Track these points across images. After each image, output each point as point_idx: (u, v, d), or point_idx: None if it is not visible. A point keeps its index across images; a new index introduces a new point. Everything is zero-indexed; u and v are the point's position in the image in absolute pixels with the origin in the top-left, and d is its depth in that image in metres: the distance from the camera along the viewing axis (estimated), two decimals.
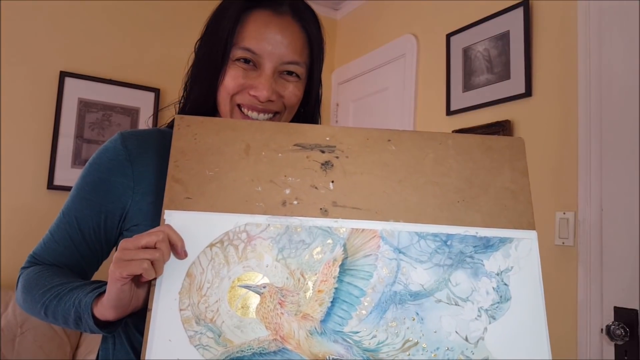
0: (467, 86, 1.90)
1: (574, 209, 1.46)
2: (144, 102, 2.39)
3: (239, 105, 0.76)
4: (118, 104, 2.33)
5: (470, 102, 1.87)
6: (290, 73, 0.76)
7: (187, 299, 0.58)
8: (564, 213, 1.48)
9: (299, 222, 0.63)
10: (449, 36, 2.00)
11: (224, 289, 0.59)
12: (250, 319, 0.58)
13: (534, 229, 0.67)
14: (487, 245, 0.65)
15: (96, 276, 0.76)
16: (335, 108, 2.81)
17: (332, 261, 0.62)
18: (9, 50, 2.15)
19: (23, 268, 0.75)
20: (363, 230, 0.63)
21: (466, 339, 0.61)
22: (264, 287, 0.60)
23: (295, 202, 0.64)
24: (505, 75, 1.74)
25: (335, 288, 0.61)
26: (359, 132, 0.68)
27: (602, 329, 1.33)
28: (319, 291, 0.61)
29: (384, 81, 2.45)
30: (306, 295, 0.60)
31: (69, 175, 2.19)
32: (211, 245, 0.61)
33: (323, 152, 0.67)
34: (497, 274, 0.64)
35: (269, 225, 0.62)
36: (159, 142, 0.74)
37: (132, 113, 2.37)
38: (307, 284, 0.60)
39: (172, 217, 0.61)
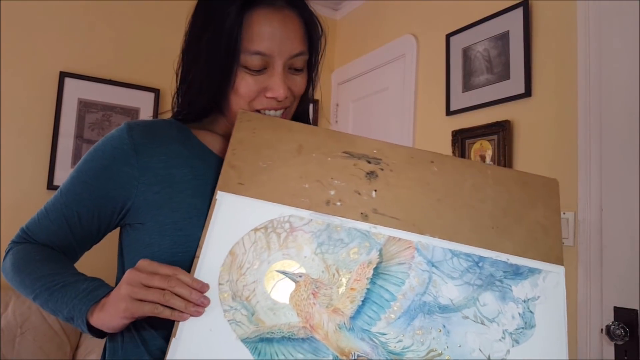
0: (467, 86, 1.90)
1: (574, 209, 1.45)
2: (144, 103, 2.38)
3: (257, 110, 0.74)
4: (118, 104, 2.33)
5: (470, 102, 1.87)
6: (298, 70, 0.75)
7: (227, 274, 0.60)
8: (564, 213, 1.47)
9: (339, 222, 0.66)
10: (448, 36, 2.01)
11: (262, 271, 0.61)
12: (284, 304, 0.60)
13: (562, 264, 0.69)
14: (517, 272, 0.67)
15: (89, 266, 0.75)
16: (335, 108, 2.80)
17: (367, 263, 0.64)
18: (9, 50, 2.15)
19: (14, 242, 0.76)
20: (399, 239, 0.66)
21: (489, 358, 0.61)
22: (300, 277, 0.62)
23: (338, 204, 0.67)
24: (505, 75, 1.74)
25: (367, 289, 0.63)
26: (404, 150, 0.73)
27: (602, 329, 1.31)
28: (351, 289, 0.63)
29: (384, 81, 2.45)
30: (339, 290, 0.62)
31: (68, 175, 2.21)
32: (255, 230, 0.64)
33: (369, 162, 0.71)
34: (524, 301, 0.65)
35: (311, 220, 0.65)
36: (166, 132, 0.74)
37: (132, 113, 2.36)
38: (341, 280, 0.63)
39: (223, 199, 0.65)
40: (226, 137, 0.77)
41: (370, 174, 0.70)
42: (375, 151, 0.72)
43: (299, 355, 0.58)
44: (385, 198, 0.69)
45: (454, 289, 0.64)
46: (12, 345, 1.80)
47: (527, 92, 1.66)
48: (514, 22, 1.73)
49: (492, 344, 0.62)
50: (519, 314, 0.64)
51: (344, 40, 2.88)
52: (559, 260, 0.69)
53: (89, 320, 0.63)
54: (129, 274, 0.60)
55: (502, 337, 0.63)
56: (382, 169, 0.71)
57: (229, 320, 0.58)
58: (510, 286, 0.66)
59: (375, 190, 0.69)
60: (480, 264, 0.66)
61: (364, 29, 2.68)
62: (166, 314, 0.57)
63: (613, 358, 1.28)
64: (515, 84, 1.70)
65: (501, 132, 1.72)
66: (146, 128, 0.74)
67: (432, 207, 0.69)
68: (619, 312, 1.28)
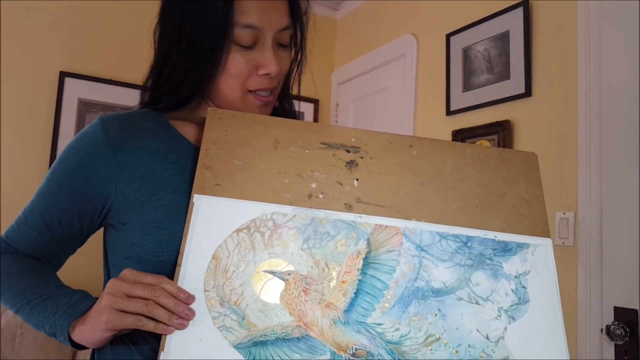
0: (467, 86, 1.91)
1: (574, 209, 1.46)
2: None
3: (250, 91, 0.72)
4: (118, 104, 2.31)
5: (470, 102, 1.88)
6: (284, 46, 0.73)
7: (212, 280, 0.58)
8: (564, 213, 1.48)
9: (324, 215, 0.64)
10: (448, 36, 2.02)
11: (249, 273, 0.59)
12: (274, 304, 0.58)
13: (548, 236, 0.69)
14: (506, 249, 0.66)
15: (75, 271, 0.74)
16: (335, 108, 2.81)
17: (356, 254, 0.62)
18: (9, 50, 2.14)
19: None
20: (386, 226, 0.65)
21: (487, 338, 0.61)
22: (289, 274, 0.60)
23: (320, 196, 0.65)
24: (505, 75, 1.75)
25: (359, 280, 0.61)
26: (383, 136, 0.71)
27: (602, 329, 1.32)
28: (342, 282, 0.61)
29: (384, 81, 2.45)
30: (330, 284, 0.60)
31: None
32: (238, 231, 0.61)
33: (348, 151, 0.69)
34: (516, 277, 0.65)
35: (295, 215, 0.63)
36: (143, 124, 0.71)
37: None
38: (331, 274, 0.61)
39: (201, 202, 0.62)
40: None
41: (351, 163, 0.68)
42: (353, 139, 0.70)
43: (296, 355, 0.56)
44: (368, 186, 0.67)
45: (445, 271, 0.63)
46: (12, 345, 1.79)
47: (527, 92, 1.67)
48: (514, 22, 1.74)
49: (489, 323, 0.61)
50: (512, 290, 0.64)
51: (344, 40, 2.88)
52: (545, 233, 0.69)
53: (71, 335, 0.60)
54: (111, 283, 0.57)
55: (498, 315, 0.62)
56: (361, 157, 0.69)
57: (219, 327, 0.56)
58: (501, 263, 0.65)
59: (357, 179, 0.67)
60: (469, 244, 0.65)
61: (364, 29, 2.68)
62: (149, 326, 0.54)
63: (613, 358, 1.29)
64: (515, 84, 1.71)
65: (501, 132, 1.73)
66: (122, 121, 0.71)
67: (416, 192, 0.68)
68: (619, 312, 1.29)
